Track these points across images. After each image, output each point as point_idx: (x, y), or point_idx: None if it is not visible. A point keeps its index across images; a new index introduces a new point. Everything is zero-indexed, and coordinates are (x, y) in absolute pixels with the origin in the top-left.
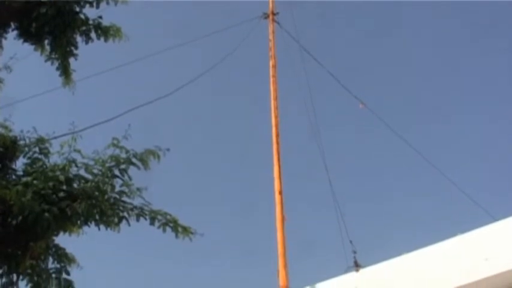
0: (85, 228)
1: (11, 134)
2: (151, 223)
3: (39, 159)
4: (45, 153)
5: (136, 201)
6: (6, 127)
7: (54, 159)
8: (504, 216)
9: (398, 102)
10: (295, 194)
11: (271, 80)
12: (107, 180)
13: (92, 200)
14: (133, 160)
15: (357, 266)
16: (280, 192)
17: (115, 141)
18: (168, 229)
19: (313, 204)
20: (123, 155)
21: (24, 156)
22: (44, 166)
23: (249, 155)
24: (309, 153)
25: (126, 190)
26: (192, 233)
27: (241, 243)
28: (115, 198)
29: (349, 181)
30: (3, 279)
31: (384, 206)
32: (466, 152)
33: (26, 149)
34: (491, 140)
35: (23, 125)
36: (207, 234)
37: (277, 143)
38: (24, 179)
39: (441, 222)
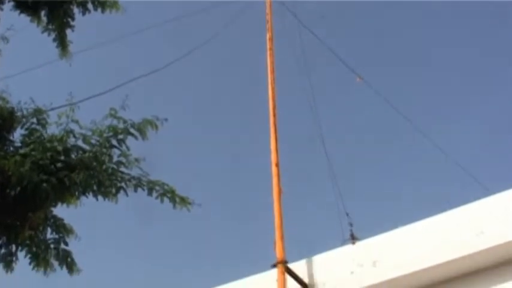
0: (83, 199)
1: (8, 106)
2: (149, 194)
3: (36, 130)
4: (43, 124)
5: (134, 172)
6: (3, 98)
7: (52, 130)
8: (499, 189)
9: (396, 77)
10: (292, 167)
11: (268, 52)
12: (104, 150)
13: (90, 170)
14: (131, 130)
15: (353, 238)
16: (277, 165)
17: (112, 112)
18: (165, 199)
19: (309, 177)
20: (121, 125)
21: (22, 127)
22: (42, 137)
23: (245, 128)
24: (306, 125)
25: (124, 160)
26: (189, 203)
27: (237, 216)
28: (113, 168)
29: (346, 154)
30: (2, 250)
31: (380, 180)
32: (462, 126)
33: (24, 120)
34: (489, 115)
35: (20, 96)
36: (204, 206)
37: (274, 115)
38: (22, 150)
39: (436, 195)
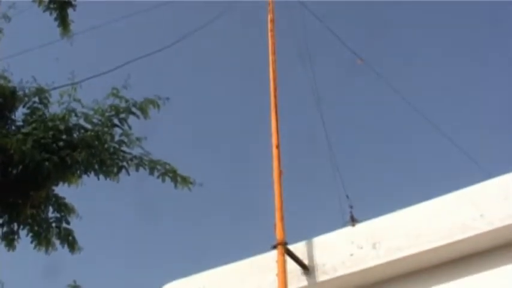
0: (84, 179)
1: (9, 85)
2: (151, 173)
3: (38, 109)
4: (45, 103)
5: (136, 151)
6: (5, 78)
7: (54, 109)
8: (500, 173)
9: (398, 60)
10: (292, 149)
11: (269, 34)
12: (106, 129)
13: (92, 149)
14: (133, 109)
15: (353, 220)
16: (277, 146)
17: (114, 91)
18: (167, 179)
19: (309, 158)
20: (123, 105)
21: (23, 106)
22: (44, 116)
23: (246, 109)
24: (307, 107)
25: (126, 140)
26: (191, 183)
27: (238, 198)
28: (114, 147)
29: (346, 136)
30: (4, 229)
31: (381, 162)
32: (463, 109)
33: (26, 99)
34: (490, 97)
35: (22, 76)
36: (205, 186)
37: (275, 96)
38: (24, 129)
39: (437, 178)
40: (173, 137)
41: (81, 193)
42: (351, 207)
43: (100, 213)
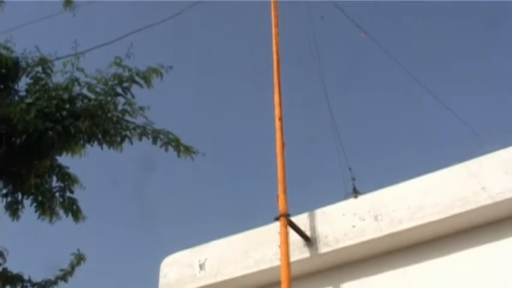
0: (87, 149)
1: (12, 56)
2: (154, 142)
3: (41, 79)
4: (48, 73)
5: (139, 121)
6: (7, 48)
7: (57, 79)
8: (502, 146)
9: (402, 34)
10: (295, 121)
11: (272, 5)
12: (109, 99)
13: (95, 118)
14: (136, 78)
15: (355, 192)
16: (280, 119)
17: (117, 60)
18: (170, 148)
19: (312, 131)
20: (126, 74)
21: (27, 76)
22: (47, 86)
23: (249, 81)
24: (310, 79)
25: (129, 109)
26: (193, 153)
27: (240, 170)
28: (118, 117)
29: (349, 109)
30: (9, 198)
31: (383, 134)
32: (466, 81)
33: (29, 69)
34: (495, 71)
35: (25, 47)
36: (207, 158)
37: (278, 69)
38: (27, 100)
39: (439, 150)
40: (176, 106)
41: (84, 164)
42: (354, 179)
43: (103, 183)
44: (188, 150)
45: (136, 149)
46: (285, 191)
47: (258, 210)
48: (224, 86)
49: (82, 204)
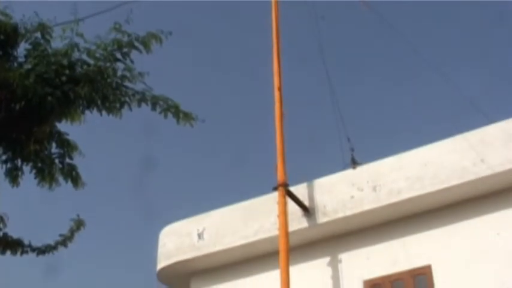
0: (87, 116)
1: (11, 22)
2: (153, 108)
3: (40, 45)
4: (47, 39)
5: (138, 87)
6: (6, 15)
7: (56, 44)
8: (501, 118)
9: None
10: (293, 92)
11: None
12: (108, 64)
13: (94, 84)
14: (135, 43)
15: (354, 163)
16: (279, 89)
17: (117, 26)
18: (169, 115)
19: (311, 102)
20: (125, 39)
21: (25, 42)
22: (46, 51)
23: (247, 51)
24: (309, 48)
25: (128, 75)
26: (193, 119)
27: (239, 140)
28: (117, 83)
29: (349, 80)
30: (8, 165)
31: (382, 105)
32: (465, 53)
33: (28, 35)
34: (493, 43)
35: (24, 12)
36: (206, 127)
37: (277, 38)
38: (26, 66)
39: (439, 122)
40: (175, 73)
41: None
42: (352, 149)
43: (103, 150)
44: (187, 116)
45: (135, 117)
46: (283, 161)
47: (256, 180)
48: (223, 55)
49: (81, 172)
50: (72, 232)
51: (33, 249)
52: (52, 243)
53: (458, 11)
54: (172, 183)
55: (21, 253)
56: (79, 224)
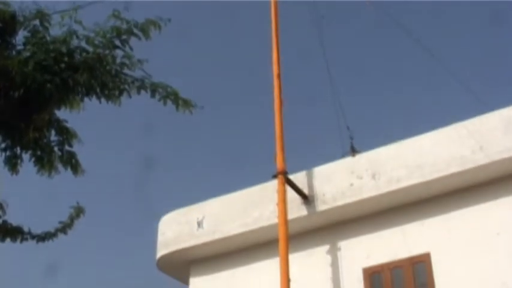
0: (86, 104)
1: (10, 9)
2: (152, 96)
3: (39, 32)
4: (46, 26)
5: (138, 74)
6: (4, 2)
7: (55, 32)
8: (500, 106)
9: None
10: (293, 79)
11: None
12: (107, 52)
13: (93, 71)
14: (134, 30)
15: (353, 151)
16: (279, 76)
17: (116, 13)
18: (168, 102)
19: (311, 90)
20: (124, 26)
21: (24, 29)
22: (45, 39)
23: (247, 39)
24: (309, 37)
25: (127, 62)
26: (192, 106)
27: (238, 128)
28: (116, 70)
29: (348, 68)
30: (7, 153)
31: (382, 94)
32: (464, 42)
33: (26, 22)
34: (491, 30)
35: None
36: (205, 115)
37: (276, 26)
38: (25, 53)
39: (438, 110)
40: (174, 59)
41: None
42: (351, 138)
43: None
44: (187, 103)
45: (136, 104)
46: (283, 149)
47: (255, 169)
48: (223, 43)
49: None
50: (72, 219)
51: (33, 237)
52: (52, 230)
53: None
54: (171, 174)
55: (21, 240)
56: (79, 211)
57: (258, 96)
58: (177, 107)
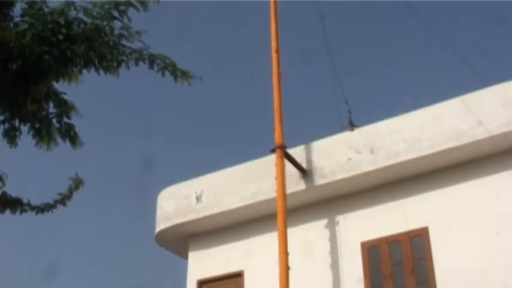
0: (84, 77)
1: None
2: (150, 67)
3: (37, 3)
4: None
5: (136, 45)
6: None
7: (53, 3)
8: (499, 81)
9: None
10: (291, 54)
11: None
12: (106, 23)
13: (92, 42)
14: (132, 1)
15: (351, 125)
16: (277, 51)
17: None
18: (166, 73)
19: (309, 64)
20: None
21: (22, 1)
22: (42, 11)
23: (245, 12)
24: (307, 9)
25: (125, 33)
26: (191, 77)
27: (237, 102)
28: (114, 41)
29: (348, 42)
30: (6, 125)
31: (380, 68)
32: (463, 16)
33: None
34: (491, 6)
35: None
36: (203, 87)
37: (275, 4)
38: (23, 25)
39: (436, 84)
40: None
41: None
42: (350, 112)
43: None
44: (185, 74)
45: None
46: (281, 123)
47: (254, 143)
48: (219, 17)
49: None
50: (71, 191)
51: (32, 208)
52: (51, 201)
53: None
54: (169, 144)
55: (21, 211)
56: (78, 183)
57: (256, 68)
58: (175, 78)
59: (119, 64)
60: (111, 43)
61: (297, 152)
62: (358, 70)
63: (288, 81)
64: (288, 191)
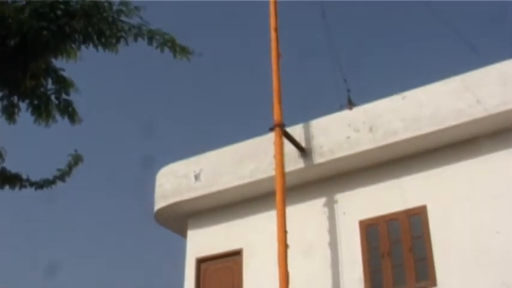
0: (83, 54)
1: None
2: (149, 43)
3: None
4: None
5: (134, 21)
6: None
7: None
8: (498, 59)
9: None
10: (291, 34)
11: None
12: None
13: (90, 18)
14: None
15: (350, 104)
16: (276, 30)
17: None
18: (165, 49)
19: (308, 43)
20: None
21: None
22: None
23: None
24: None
25: (124, 9)
26: (190, 53)
27: (235, 80)
28: (113, 17)
29: (347, 22)
30: (4, 102)
31: (380, 48)
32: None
33: None
34: None
35: None
36: (202, 64)
37: None
38: (21, 1)
39: (435, 63)
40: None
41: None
42: (349, 90)
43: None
44: (184, 50)
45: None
46: (280, 101)
47: (253, 121)
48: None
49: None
50: (71, 167)
51: (31, 184)
52: (50, 177)
53: None
54: (170, 125)
55: (20, 187)
56: (77, 159)
57: (255, 48)
58: (174, 55)
59: (118, 40)
60: (110, 19)
61: (296, 131)
62: (356, 49)
63: (286, 59)
64: (287, 169)
